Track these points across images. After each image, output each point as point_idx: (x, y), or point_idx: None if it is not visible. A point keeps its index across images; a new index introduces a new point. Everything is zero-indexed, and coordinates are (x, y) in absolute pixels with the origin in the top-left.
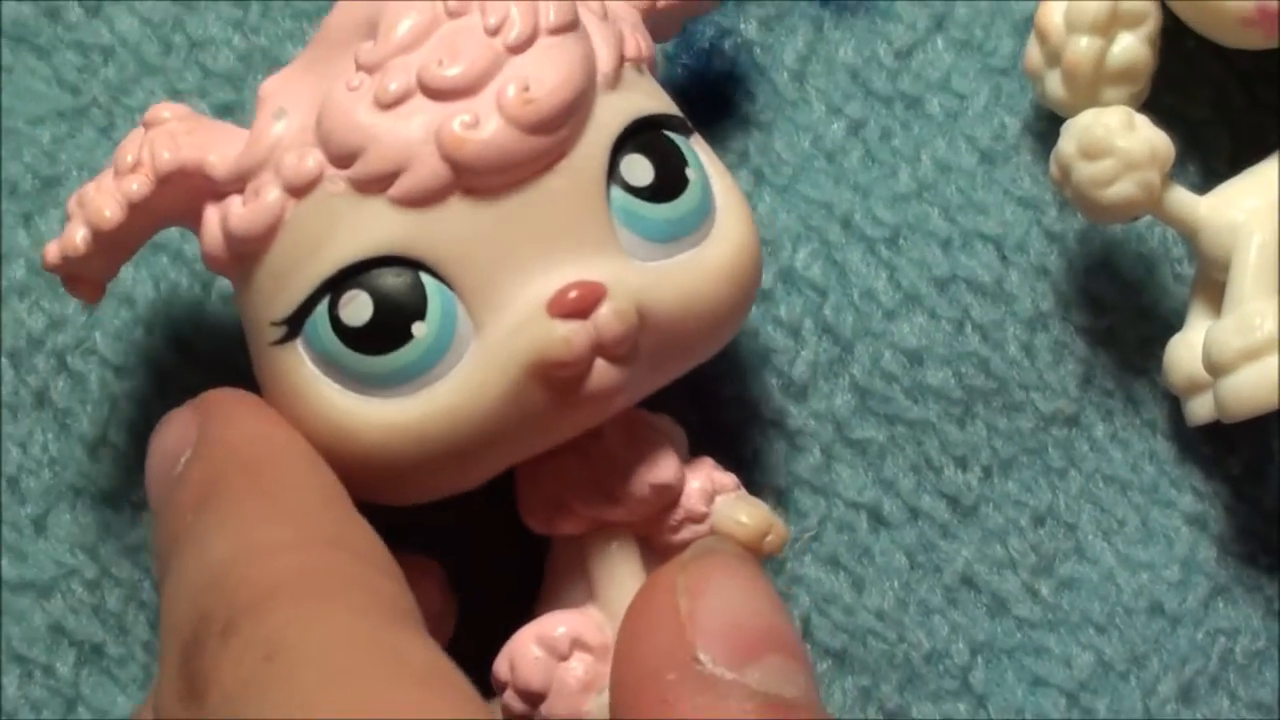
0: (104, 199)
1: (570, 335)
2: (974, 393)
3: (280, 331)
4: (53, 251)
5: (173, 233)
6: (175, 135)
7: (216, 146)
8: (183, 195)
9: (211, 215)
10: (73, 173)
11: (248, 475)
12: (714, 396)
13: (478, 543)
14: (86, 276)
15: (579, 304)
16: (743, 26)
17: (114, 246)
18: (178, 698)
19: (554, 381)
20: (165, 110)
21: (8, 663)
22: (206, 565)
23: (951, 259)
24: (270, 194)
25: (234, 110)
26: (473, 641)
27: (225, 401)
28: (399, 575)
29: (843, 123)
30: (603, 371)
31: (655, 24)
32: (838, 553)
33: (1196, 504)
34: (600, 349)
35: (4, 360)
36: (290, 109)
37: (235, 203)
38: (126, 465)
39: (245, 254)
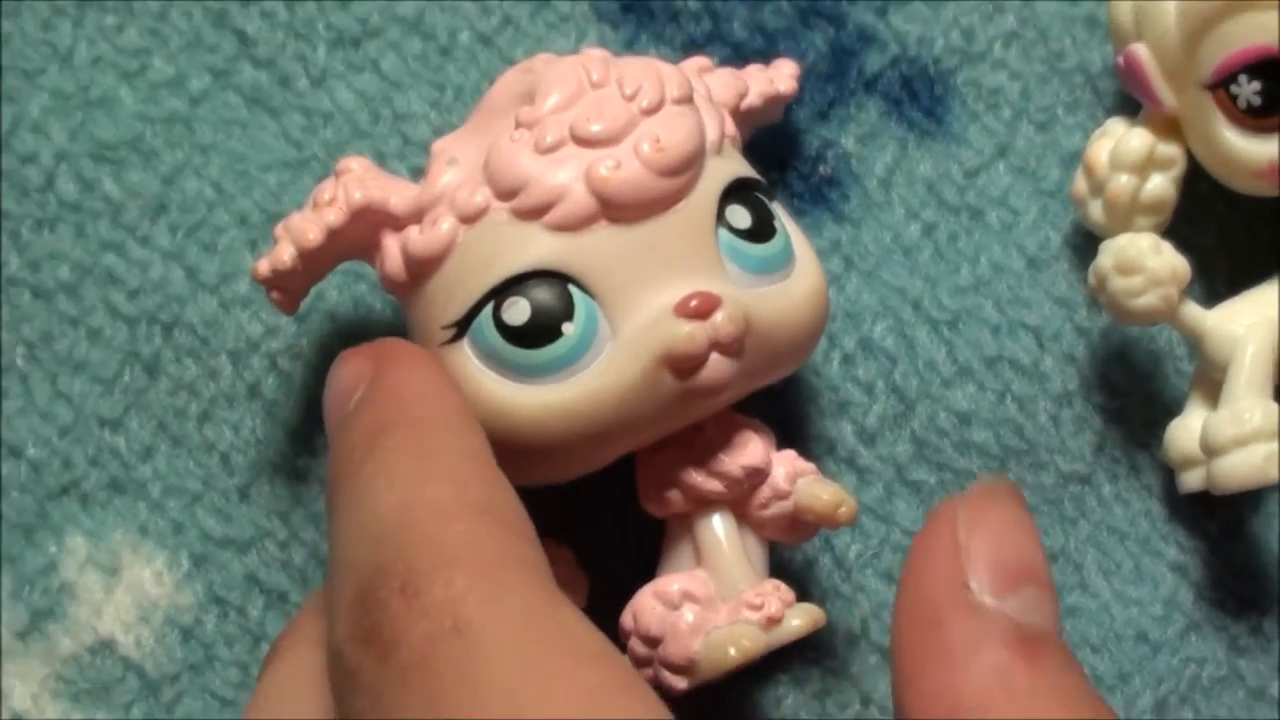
0: (307, 225)
1: (694, 332)
2: (1009, 451)
3: (450, 333)
4: (263, 266)
5: (369, 267)
6: (363, 179)
7: (395, 190)
8: (367, 227)
9: (391, 244)
10: (291, 212)
11: (412, 431)
12: (802, 435)
13: (609, 536)
14: (287, 289)
15: (700, 309)
16: (843, 141)
17: (311, 266)
18: (357, 642)
19: (678, 369)
20: (353, 163)
21: (209, 603)
22: (379, 515)
23: (999, 342)
24: (445, 223)
25: (424, 173)
26: (606, 608)
27: (399, 351)
28: (537, 541)
29: (918, 225)
30: (716, 363)
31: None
32: (893, 569)
33: (1180, 555)
34: (716, 345)
35: (225, 358)
36: (460, 159)
37: (413, 231)
38: (316, 449)
39: (421, 274)
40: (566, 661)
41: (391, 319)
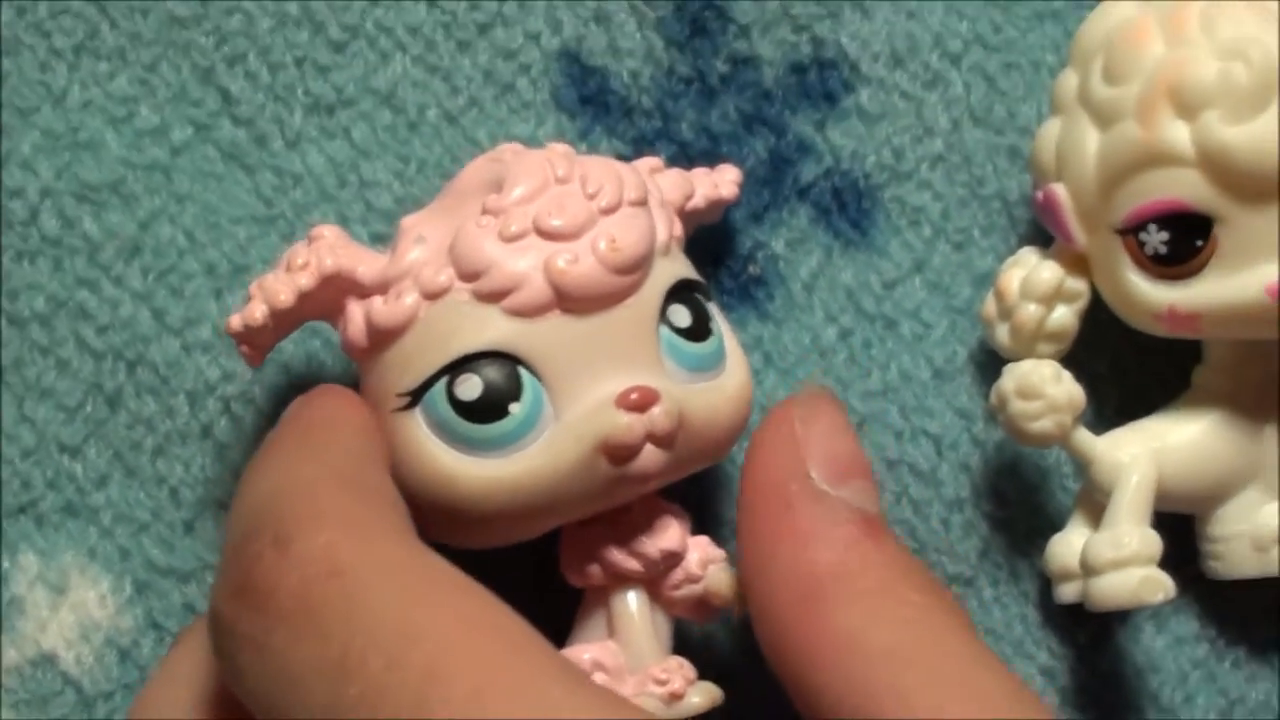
0: (280, 286)
1: (632, 423)
2: None
3: (404, 401)
4: (235, 321)
5: (325, 325)
6: (334, 247)
7: (364, 260)
8: (334, 292)
9: (355, 310)
10: (258, 265)
11: (303, 434)
12: (715, 520)
13: (526, 597)
14: (255, 344)
15: (639, 402)
16: (773, 244)
17: (279, 324)
18: (232, 597)
19: (614, 457)
20: (326, 230)
21: (147, 628)
22: (256, 492)
23: (900, 447)
24: (409, 297)
25: (384, 239)
26: None
27: (323, 389)
28: (407, 514)
29: (836, 329)
30: (649, 454)
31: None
32: None
33: (1050, 660)
34: (651, 436)
35: (183, 397)
36: (427, 237)
37: (378, 301)
38: None
39: (381, 342)
40: (444, 591)
41: (340, 374)
